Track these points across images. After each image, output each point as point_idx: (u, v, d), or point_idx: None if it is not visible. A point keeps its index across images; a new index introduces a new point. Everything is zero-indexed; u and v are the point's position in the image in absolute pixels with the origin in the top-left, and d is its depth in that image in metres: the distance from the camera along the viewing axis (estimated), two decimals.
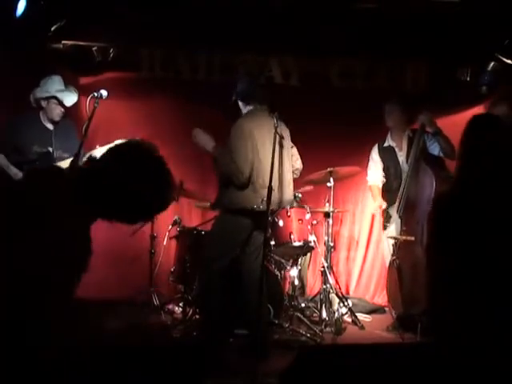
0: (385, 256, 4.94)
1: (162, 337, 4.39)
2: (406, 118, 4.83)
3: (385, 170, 4.91)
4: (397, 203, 4.58)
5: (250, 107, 4.06)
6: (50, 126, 4.48)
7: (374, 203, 5.04)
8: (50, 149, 4.39)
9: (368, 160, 5.06)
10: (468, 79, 5.30)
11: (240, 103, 4.10)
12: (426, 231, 4.39)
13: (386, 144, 4.90)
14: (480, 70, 5.26)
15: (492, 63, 5.15)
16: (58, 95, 4.36)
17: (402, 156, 4.81)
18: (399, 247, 4.50)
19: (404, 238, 4.42)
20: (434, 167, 4.47)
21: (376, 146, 4.96)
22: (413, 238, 4.38)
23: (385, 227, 4.87)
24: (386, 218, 4.85)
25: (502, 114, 4.29)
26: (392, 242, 4.56)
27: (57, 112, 4.42)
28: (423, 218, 4.41)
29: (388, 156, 4.87)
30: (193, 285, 4.61)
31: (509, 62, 4.98)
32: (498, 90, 5.29)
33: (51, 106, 4.39)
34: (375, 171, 4.97)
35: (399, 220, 4.56)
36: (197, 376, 2.34)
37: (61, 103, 4.39)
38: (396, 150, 4.84)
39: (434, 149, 4.64)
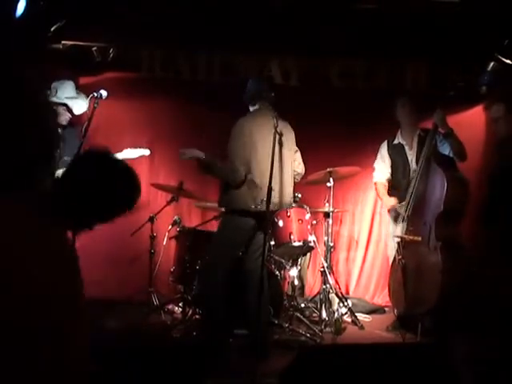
0: (389, 254, 4.92)
1: (161, 337, 4.39)
2: (417, 115, 4.80)
3: (393, 167, 4.86)
4: (405, 202, 4.56)
5: (256, 107, 4.06)
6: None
7: (383, 200, 4.95)
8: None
9: (374, 157, 5.03)
10: (468, 79, 5.30)
11: (248, 103, 4.10)
12: (433, 232, 4.37)
13: (395, 141, 4.86)
14: (480, 70, 5.27)
15: (492, 63, 5.15)
16: (69, 102, 4.36)
17: (411, 155, 4.76)
18: (404, 247, 4.48)
19: (411, 237, 4.39)
20: (445, 168, 4.41)
21: (385, 142, 4.92)
22: (420, 239, 4.35)
23: (395, 220, 4.79)
24: (396, 216, 4.78)
25: (498, 115, 4.32)
26: (397, 240, 4.54)
27: (64, 118, 4.43)
28: (431, 219, 4.37)
29: (397, 153, 4.83)
30: (192, 285, 4.61)
31: (508, 62, 4.98)
32: (497, 90, 5.30)
33: (59, 111, 4.39)
34: (382, 168, 4.93)
35: (406, 219, 4.54)
36: (197, 376, 2.34)
37: (69, 110, 4.39)
38: (406, 147, 4.80)
39: (445, 149, 4.61)
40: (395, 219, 4.73)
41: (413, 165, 4.72)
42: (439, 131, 4.58)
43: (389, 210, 4.87)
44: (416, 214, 4.47)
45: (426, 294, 4.27)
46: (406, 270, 4.39)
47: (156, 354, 2.28)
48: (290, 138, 4.10)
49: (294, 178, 4.20)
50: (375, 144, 5.16)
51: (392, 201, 4.82)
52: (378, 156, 4.97)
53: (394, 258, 4.60)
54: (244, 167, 3.86)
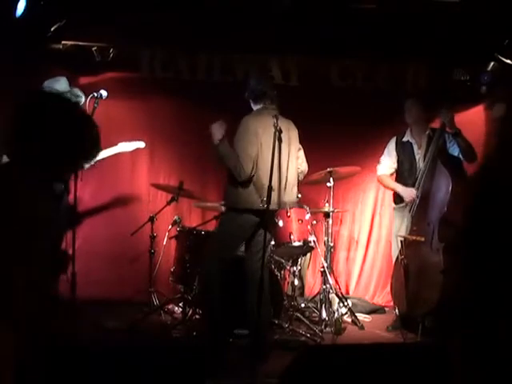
0: (392, 253, 4.90)
1: (161, 337, 4.39)
2: (426, 115, 4.77)
3: (399, 165, 4.83)
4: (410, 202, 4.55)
5: (259, 105, 4.06)
6: None
7: (397, 188, 4.80)
8: None
9: (375, 157, 5.03)
10: (468, 79, 5.30)
11: (251, 101, 4.10)
12: (436, 233, 4.36)
13: (404, 139, 4.81)
14: (480, 70, 5.27)
15: (492, 63, 5.15)
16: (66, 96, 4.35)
17: (419, 154, 4.72)
18: (407, 246, 4.46)
19: (414, 238, 4.38)
20: (451, 168, 4.38)
21: (394, 138, 4.88)
22: (423, 239, 4.33)
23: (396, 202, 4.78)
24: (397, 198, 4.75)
25: (499, 115, 4.30)
26: (401, 239, 4.52)
27: None
28: (435, 219, 4.35)
29: (405, 151, 4.79)
30: (192, 285, 4.61)
31: (508, 61, 4.98)
32: (496, 90, 5.30)
33: None
34: (388, 162, 4.89)
35: (410, 219, 4.53)
36: (197, 376, 2.34)
37: None
38: (414, 146, 4.76)
39: (454, 150, 4.59)
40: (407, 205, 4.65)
41: (420, 164, 4.67)
42: (447, 131, 4.57)
43: (395, 200, 4.85)
44: (420, 215, 4.46)
45: (427, 295, 4.26)
46: (407, 270, 4.38)
47: (156, 354, 2.28)
48: (293, 137, 4.09)
49: (298, 176, 4.19)
50: (375, 144, 5.16)
51: (402, 187, 4.73)
52: (385, 151, 4.92)
53: (397, 257, 4.59)
54: (250, 165, 3.86)
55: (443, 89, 5.16)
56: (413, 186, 4.59)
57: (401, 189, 4.74)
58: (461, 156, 4.55)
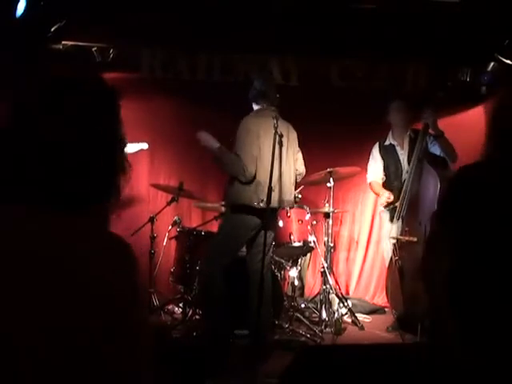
0: (385, 256, 4.92)
1: (162, 337, 4.38)
2: (409, 116, 4.82)
3: (385, 168, 4.88)
4: (399, 203, 4.56)
5: (260, 106, 4.07)
6: None
7: (380, 197, 4.89)
8: None
9: (368, 158, 5.05)
10: (468, 79, 5.30)
11: (252, 102, 4.11)
12: (428, 232, 4.36)
13: (387, 142, 4.88)
14: (480, 70, 5.27)
15: (492, 63, 5.15)
16: None
17: (403, 155, 4.77)
18: (400, 247, 4.48)
19: (407, 238, 4.39)
20: (438, 167, 4.42)
21: (377, 144, 4.94)
22: (415, 239, 4.34)
23: (391, 219, 4.73)
24: (394, 211, 4.76)
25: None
26: (393, 241, 4.53)
27: None
28: (426, 218, 4.36)
29: (389, 154, 4.84)
30: (192, 285, 4.60)
31: (508, 62, 4.98)
32: (497, 90, 5.31)
33: None
34: (375, 168, 4.93)
35: (401, 220, 4.54)
36: (197, 376, 2.34)
37: None
38: (397, 148, 4.81)
39: (436, 149, 4.62)
40: (391, 218, 4.70)
41: (405, 165, 4.72)
42: (429, 132, 4.59)
43: (384, 206, 4.86)
44: (411, 215, 4.47)
45: (424, 294, 4.25)
46: (402, 271, 4.39)
47: (156, 354, 2.27)
48: (292, 139, 4.10)
49: (296, 178, 4.20)
50: (376, 142, 5.17)
51: (390, 195, 4.76)
52: (370, 157, 4.98)
53: (391, 259, 4.59)
54: (253, 165, 3.87)
55: (427, 90, 5.17)
56: (400, 187, 4.61)
57: (384, 195, 4.78)
58: (442, 155, 4.58)
